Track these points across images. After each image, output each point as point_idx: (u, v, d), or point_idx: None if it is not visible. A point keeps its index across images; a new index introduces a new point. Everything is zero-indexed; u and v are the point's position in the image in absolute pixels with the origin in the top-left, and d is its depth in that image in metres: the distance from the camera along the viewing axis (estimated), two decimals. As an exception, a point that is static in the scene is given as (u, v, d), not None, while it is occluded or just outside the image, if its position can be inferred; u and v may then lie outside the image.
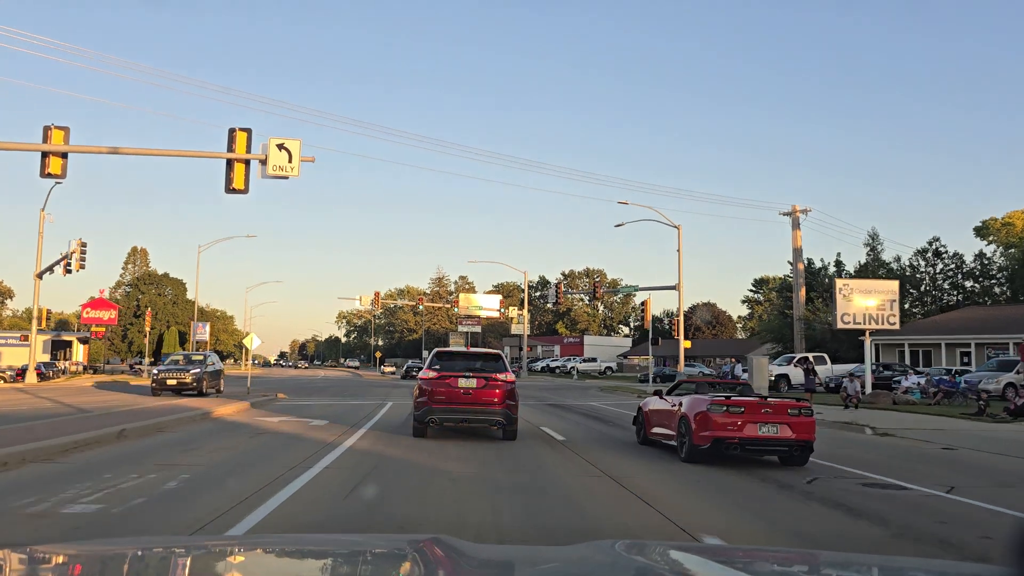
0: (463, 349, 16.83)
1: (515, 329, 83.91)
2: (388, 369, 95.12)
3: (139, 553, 2.57)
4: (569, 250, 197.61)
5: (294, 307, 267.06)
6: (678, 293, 46.15)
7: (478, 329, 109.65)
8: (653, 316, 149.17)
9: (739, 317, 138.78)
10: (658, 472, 11.28)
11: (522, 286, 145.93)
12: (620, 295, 50.12)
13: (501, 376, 14.20)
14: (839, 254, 62.76)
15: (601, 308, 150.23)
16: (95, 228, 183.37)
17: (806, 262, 57.69)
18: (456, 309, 72.69)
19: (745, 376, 41.97)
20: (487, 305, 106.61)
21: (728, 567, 2.45)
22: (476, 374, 14.13)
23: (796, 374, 38.09)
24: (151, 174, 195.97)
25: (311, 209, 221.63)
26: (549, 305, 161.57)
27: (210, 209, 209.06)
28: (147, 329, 69.87)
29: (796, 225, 57.26)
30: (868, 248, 59.48)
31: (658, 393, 15.04)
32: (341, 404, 25.73)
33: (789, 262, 59.12)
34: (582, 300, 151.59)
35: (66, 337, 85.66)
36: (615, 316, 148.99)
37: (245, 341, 29.60)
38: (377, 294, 65.46)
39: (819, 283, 59.70)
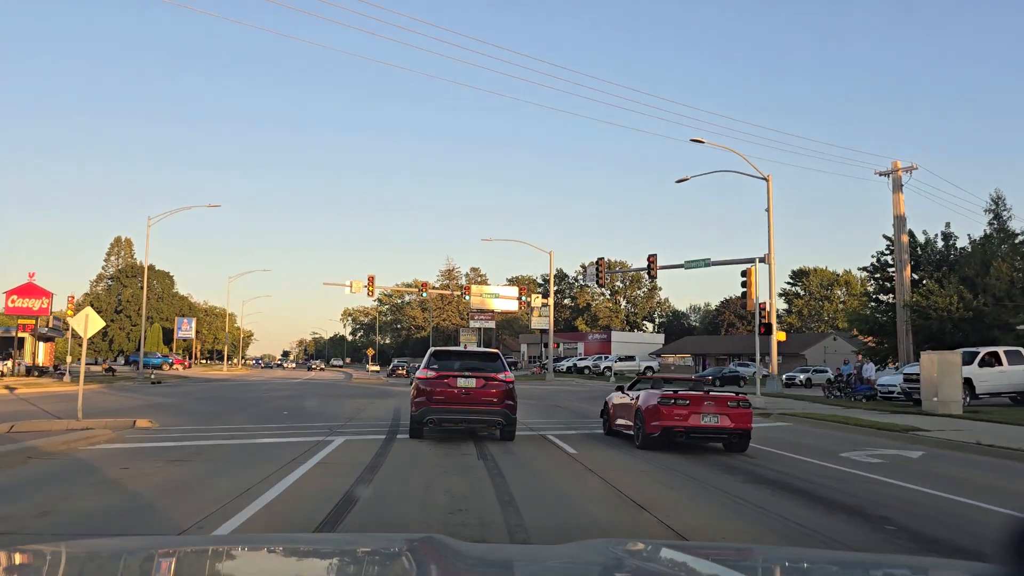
0: (461, 348, 15.70)
1: (536, 323, 70.75)
2: (373, 368, 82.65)
3: (131, 552, 2.48)
4: (590, 243, 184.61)
5: (302, 304, 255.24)
6: (768, 267, 32.87)
7: (492, 325, 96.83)
8: (679, 311, 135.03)
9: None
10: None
11: (540, 279, 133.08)
12: (691, 268, 36.04)
13: (500, 376, 13.71)
14: (948, 224, 48.66)
15: (624, 303, 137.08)
16: (80, 217, 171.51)
17: (897, 233, 44.25)
18: (468, 298, 59.46)
19: (887, 380, 28.98)
20: (503, 296, 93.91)
21: (720, 564, 2.44)
22: (474, 374, 13.60)
23: (986, 377, 24.71)
24: (147, 174, 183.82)
25: (313, 203, 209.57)
26: (567, 301, 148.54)
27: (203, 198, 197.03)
28: (67, 315, 56.24)
29: (898, 187, 43.90)
30: (991, 215, 46.07)
31: (620, 389, 15.90)
32: (229, 447, 12.61)
33: (886, 236, 45.81)
34: (603, 294, 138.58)
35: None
36: (639, 312, 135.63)
37: (74, 322, 16.25)
38: (372, 279, 52.49)
39: (925, 260, 46.32)
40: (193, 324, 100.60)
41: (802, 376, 54.53)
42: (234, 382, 47.67)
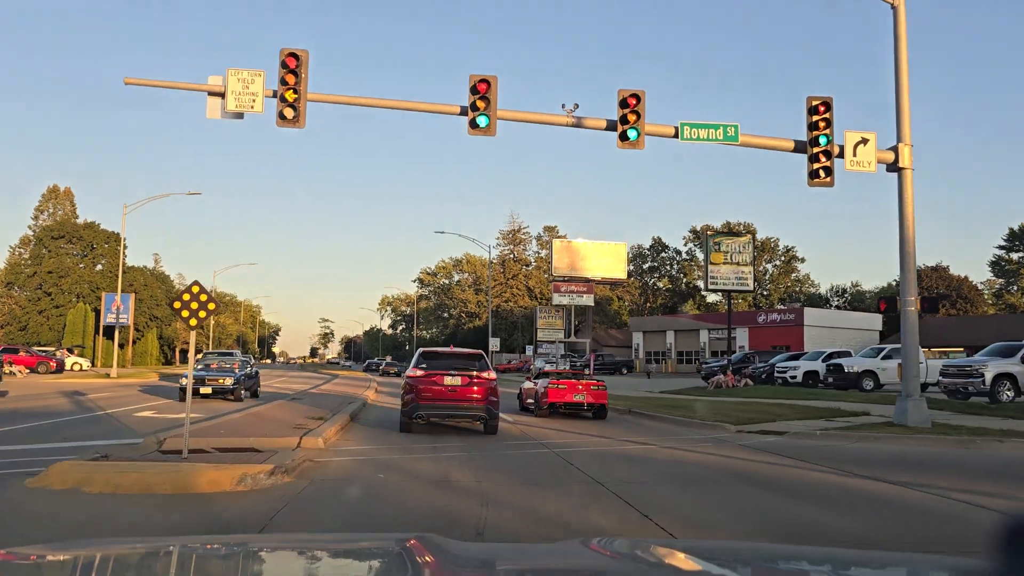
0: (447, 349, 15.92)
1: (727, 275, 31.46)
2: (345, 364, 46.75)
3: (120, 554, 2.49)
4: (696, 202, 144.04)
5: (334, 293, 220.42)
6: None
7: (589, 300, 58.06)
8: (818, 294, 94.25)
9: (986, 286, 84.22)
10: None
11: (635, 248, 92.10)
12: None
13: (484, 374, 14.25)
14: None
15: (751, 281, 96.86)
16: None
17: None
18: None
19: None
20: (599, 262, 56.81)
21: (711, 563, 2.42)
22: (460, 372, 14.16)
23: None
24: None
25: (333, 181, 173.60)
26: (664, 282, 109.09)
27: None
28: None
29: None
30: None
31: (528, 379, 23.24)
32: None
33: None
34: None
35: None
36: (773, 293, 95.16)
37: None
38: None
39: None
40: (130, 303, 64.08)
41: None
42: None
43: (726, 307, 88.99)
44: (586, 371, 59.53)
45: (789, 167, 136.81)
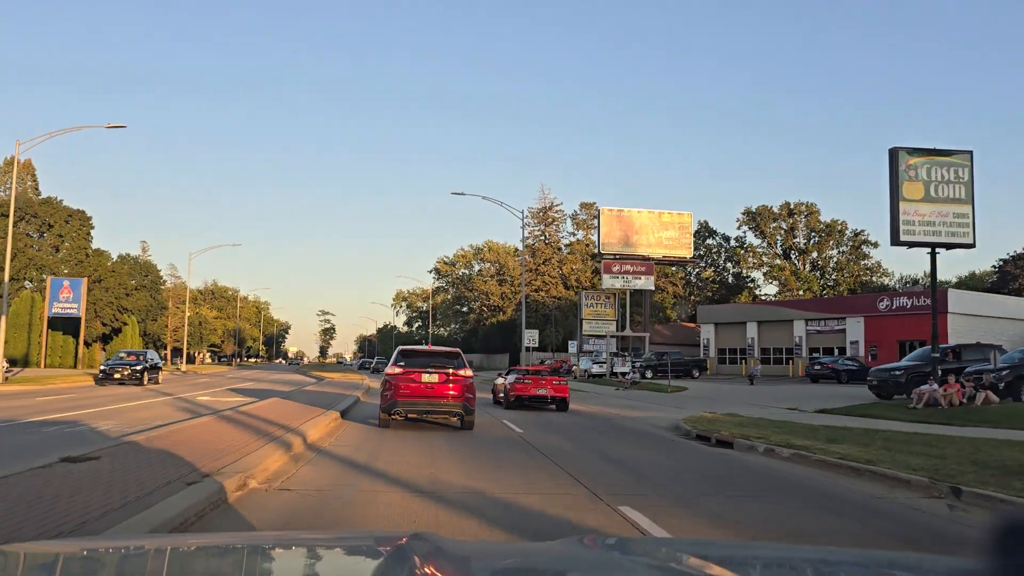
0: (426, 348, 16.23)
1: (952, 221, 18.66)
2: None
3: (118, 551, 2.43)
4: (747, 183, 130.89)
5: (348, 293, 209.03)
6: None
7: (648, 283, 45.52)
8: (883, 284, 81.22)
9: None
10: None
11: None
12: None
13: (461, 372, 14.48)
14: None
15: (808, 269, 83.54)
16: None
17: None
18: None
19: None
20: (659, 236, 44.36)
21: (710, 561, 2.36)
22: (437, 370, 14.36)
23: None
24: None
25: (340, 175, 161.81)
26: (709, 272, 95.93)
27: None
28: None
29: None
30: None
31: (500, 375, 24.90)
32: None
33: None
34: (779, 256, 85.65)
35: None
36: (841, 281, 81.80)
37: None
38: None
39: None
40: (81, 289, 52.73)
41: None
42: None
43: (820, 291, 75.99)
44: (647, 375, 47.52)
45: (851, 136, 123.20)
